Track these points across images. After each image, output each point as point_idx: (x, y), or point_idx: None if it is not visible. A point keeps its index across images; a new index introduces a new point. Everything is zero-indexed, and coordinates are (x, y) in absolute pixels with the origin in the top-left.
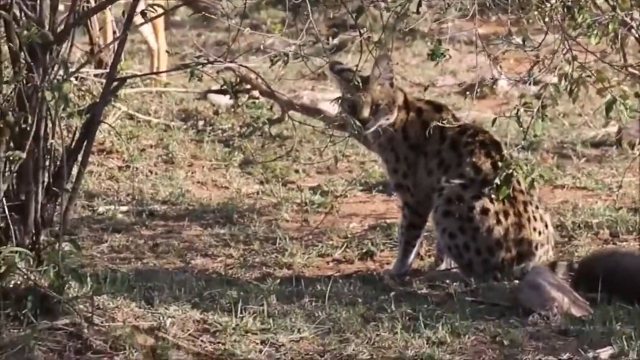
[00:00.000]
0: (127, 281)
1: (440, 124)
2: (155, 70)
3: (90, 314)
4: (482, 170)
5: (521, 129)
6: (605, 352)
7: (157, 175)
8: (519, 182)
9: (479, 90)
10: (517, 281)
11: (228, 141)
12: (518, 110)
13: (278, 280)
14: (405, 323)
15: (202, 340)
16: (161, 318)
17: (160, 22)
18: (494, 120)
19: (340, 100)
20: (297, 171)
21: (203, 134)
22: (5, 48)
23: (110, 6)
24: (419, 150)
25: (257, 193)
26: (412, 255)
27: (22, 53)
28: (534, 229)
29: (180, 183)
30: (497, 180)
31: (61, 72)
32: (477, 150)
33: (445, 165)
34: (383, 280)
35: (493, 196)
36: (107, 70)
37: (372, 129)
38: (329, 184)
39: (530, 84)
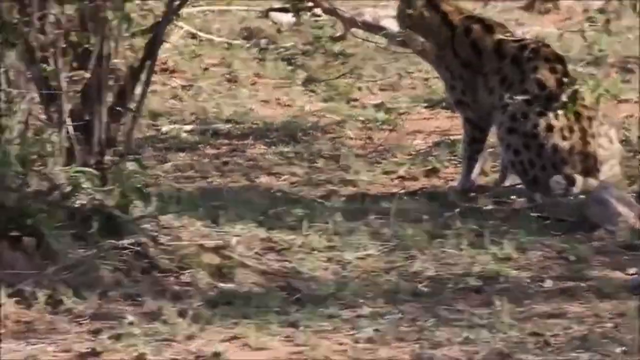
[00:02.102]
0: (193, 200)
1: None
2: None
3: (155, 233)
4: (546, 86)
5: (585, 43)
6: None
7: (220, 94)
8: (583, 98)
9: (542, 5)
10: (583, 196)
11: (291, 59)
12: (583, 24)
13: (343, 198)
14: (470, 239)
15: (268, 259)
16: (227, 237)
17: None
18: (560, 36)
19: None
20: (360, 89)
21: (266, 53)
22: None
23: None
24: (474, 68)
25: (321, 111)
26: (476, 171)
27: None
28: (599, 145)
29: (244, 101)
30: (563, 97)
31: None
32: (540, 65)
33: (508, 83)
34: (448, 196)
35: (559, 112)
36: None
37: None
38: (392, 101)
39: None
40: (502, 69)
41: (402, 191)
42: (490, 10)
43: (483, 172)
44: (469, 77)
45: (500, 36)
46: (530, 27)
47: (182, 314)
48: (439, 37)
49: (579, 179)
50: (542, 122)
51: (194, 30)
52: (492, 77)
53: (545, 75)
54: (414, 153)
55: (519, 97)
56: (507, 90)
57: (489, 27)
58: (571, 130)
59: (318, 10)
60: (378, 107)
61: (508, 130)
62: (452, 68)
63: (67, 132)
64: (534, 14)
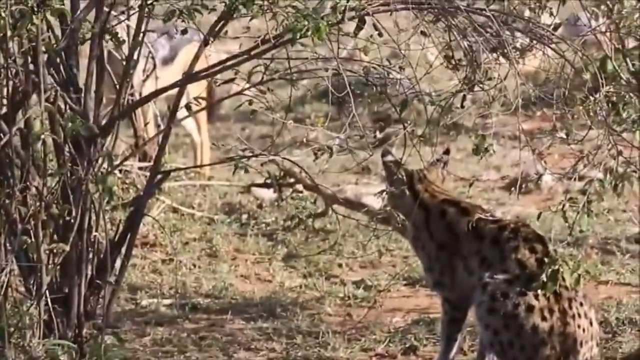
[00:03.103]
0: None
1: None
2: (198, 163)
3: None
4: (526, 265)
5: (566, 224)
6: None
7: (200, 268)
8: (563, 278)
9: (523, 185)
10: None
11: (272, 235)
12: (564, 205)
13: None
14: None
15: None
16: None
17: (202, 116)
18: (539, 215)
19: (385, 193)
20: (340, 265)
21: (247, 228)
22: (49, 140)
23: (154, 99)
24: (451, 251)
25: (300, 287)
26: (454, 350)
27: (67, 146)
28: (579, 326)
29: (224, 276)
30: (543, 277)
31: (105, 164)
32: (520, 245)
33: (488, 263)
34: None
35: (539, 292)
36: (151, 163)
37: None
38: (372, 278)
39: (575, 179)
40: (481, 250)
41: None
42: (471, 190)
43: (462, 351)
44: (445, 259)
45: (478, 216)
46: (511, 207)
47: None
48: (414, 218)
49: None
50: (523, 303)
51: (175, 205)
52: (471, 258)
53: (525, 255)
54: (392, 331)
55: (500, 277)
56: (487, 270)
57: (464, 209)
58: (551, 311)
59: (300, 187)
60: (357, 284)
61: (488, 310)
62: (429, 250)
63: (46, 305)
64: (515, 195)
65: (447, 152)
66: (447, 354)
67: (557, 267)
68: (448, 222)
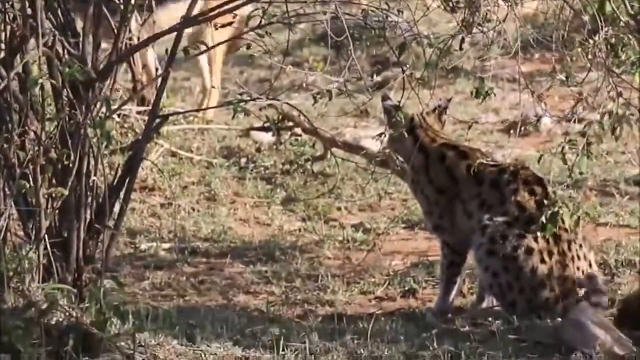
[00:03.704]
0: (169, 318)
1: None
2: (204, 106)
3: (132, 352)
4: (526, 208)
5: (565, 166)
6: None
7: (199, 212)
8: (562, 220)
9: (522, 127)
10: (560, 319)
11: (270, 178)
12: (563, 147)
13: (320, 318)
14: None
15: None
16: (203, 355)
17: (218, 60)
18: (540, 158)
19: (383, 136)
20: (339, 208)
21: (245, 171)
22: (48, 85)
23: (152, 43)
24: (450, 195)
25: (299, 230)
26: (454, 293)
27: (65, 90)
28: (578, 268)
29: (223, 220)
30: (542, 219)
31: (103, 109)
32: (520, 188)
33: (487, 206)
34: (425, 317)
35: (538, 234)
36: (150, 107)
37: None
38: (371, 222)
39: (574, 121)
40: (480, 193)
41: (380, 312)
42: (470, 133)
43: (461, 294)
44: (445, 203)
45: (478, 160)
46: (510, 150)
47: None
48: (413, 162)
49: None
50: (522, 245)
51: (173, 149)
52: (470, 201)
53: (524, 197)
54: (391, 273)
55: (499, 219)
56: (486, 213)
57: (463, 153)
58: (550, 253)
59: (298, 130)
60: (356, 227)
61: (487, 252)
62: (428, 194)
63: (45, 249)
64: (514, 137)
65: (449, 99)
66: (446, 297)
67: (556, 209)
68: (447, 166)
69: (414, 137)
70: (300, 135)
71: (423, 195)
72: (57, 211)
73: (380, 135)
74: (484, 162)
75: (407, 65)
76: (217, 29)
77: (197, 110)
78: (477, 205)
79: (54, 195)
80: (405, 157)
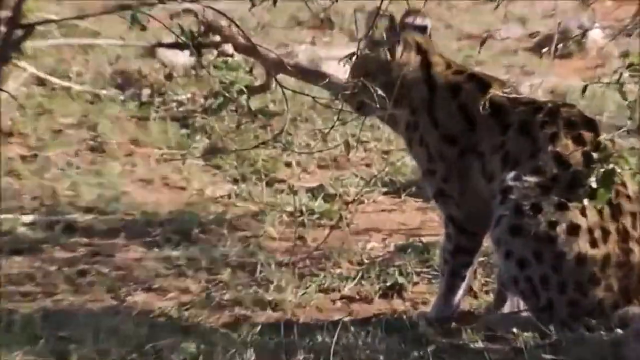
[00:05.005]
0: (31, 328)
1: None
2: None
3: None
4: (569, 163)
5: (625, 102)
6: None
7: (79, 169)
8: (624, 184)
9: (560, 45)
10: (619, 330)
11: (186, 119)
12: (621, 74)
13: (258, 328)
14: None
15: None
16: None
17: None
18: (584, 89)
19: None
20: (288, 165)
21: (149, 109)
22: None
23: None
24: (465, 147)
25: (229, 196)
26: (461, 292)
27: None
28: None
29: (114, 181)
30: (592, 180)
31: None
32: (560, 133)
33: (513, 161)
34: (417, 327)
35: (588, 203)
36: (9, 13)
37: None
38: (336, 184)
39: (637, 36)
40: (505, 142)
41: (348, 319)
42: (483, 53)
43: (471, 292)
44: (455, 157)
45: (501, 94)
46: (544, 78)
47: None
48: (411, 96)
49: None
50: (563, 220)
51: (42, 74)
52: (491, 157)
53: (567, 147)
54: (367, 261)
55: (529, 179)
56: (511, 170)
57: (486, 84)
58: (606, 232)
59: (229, 48)
60: (314, 192)
61: (510, 229)
62: (430, 143)
63: None
64: (549, 59)
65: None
66: (449, 297)
67: (613, 165)
68: (462, 104)
69: (409, 59)
70: (231, 56)
71: (422, 146)
72: None
73: (350, 56)
74: (507, 95)
75: None
76: None
77: (79, 18)
78: (499, 161)
79: None
80: (387, 86)
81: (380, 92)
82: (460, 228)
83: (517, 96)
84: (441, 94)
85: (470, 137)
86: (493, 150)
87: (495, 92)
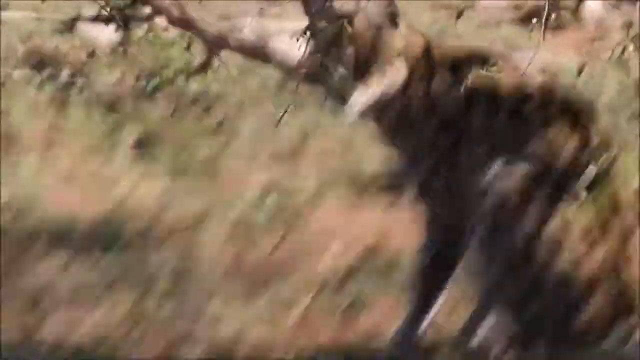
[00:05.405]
0: None
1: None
2: None
3: None
4: (561, 152)
5: (627, 81)
6: None
7: None
8: (627, 175)
9: (552, 16)
10: (619, 348)
11: (113, 105)
12: (623, 49)
13: None
14: None
15: None
16: None
17: None
18: (582, 68)
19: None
20: (235, 157)
21: (69, 92)
22: None
23: None
24: (456, 132)
25: (163, 197)
26: (435, 309)
27: None
28: None
29: (28, 179)
30: (590, 172)
31: None
32: (552, 120)
33: (501, 149)
34: (384, 353)
35: (582, 198)
36: None
37: (357, 108)
38: (289, 181)
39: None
40: (492, 129)
41: (302, 347)
42: (460, 25)
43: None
44: (445, 147)
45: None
46: (533, 54)
47: None
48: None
49: None
50: (553, 219)
51: None
52: (477, 144)
53: (559, 134)
54: (326, 276)
55: (517, 167)
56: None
57: (484, 58)
58: (602, 234)
59: (162, 22)
60: (264, 191)
61: (490, 229)
62: (419, 131)
63: None
64: (539, 32)
65: None
66: (420, 317)
67: (612, 154)
68: (466, 84)
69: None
70: (165, 30)
71: (408, 137)
72: None
73: (305, 30)
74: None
75: None
76: None
77: None
78: (485, 151)
79: None
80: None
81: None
82: (442, 232)
83: (492, 74)
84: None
85: (464, 121)
86: (480, 136)
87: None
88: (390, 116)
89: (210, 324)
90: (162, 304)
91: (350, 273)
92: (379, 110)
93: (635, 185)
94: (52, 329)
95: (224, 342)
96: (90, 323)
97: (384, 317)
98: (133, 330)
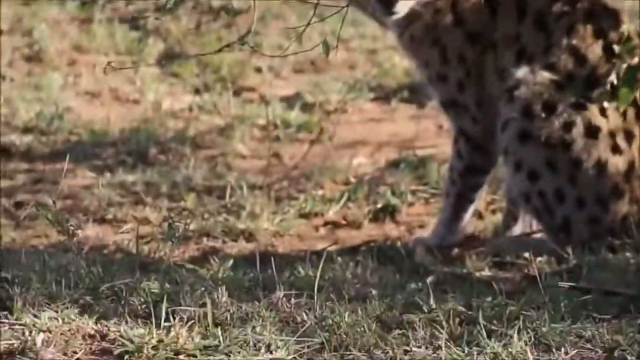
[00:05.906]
0: None
1: None
2: None
3: None
4: (587, 58)
5: None
6: None
7: (13, 82)
8: None
9: None
10: None
11: (137, 20)
12: None
13: (231, 262)
14: (453, 330)
15: None
16: (27, 333)
17: None
18: None
19: None
20: (258, 70)
21: (92, 9)
22: None
23: None
24: (484, 42)
25: (190, 109)
26: (468, 216)
27: None
28: None
29: (56, 96)
30: (613, 77)
31: None
32: (579, 25)
33: (528, 56)
34: (414, 256)
35: (609, 104)
36: None
37: (402, 13)
38: (314, 91)
39: None
40: (520, 35)
41: (334, 248)
42: None
43: (475, 212)
44: (474, 59)
45: None
46: None
47: None
48: None
49: None
50: (580, 122)
51: None
52: (505, 50)
53: (585, 39)
54: (353, 181)
55: (543, 74)
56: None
57: None
58: (629, 137)
59: None
60: (290, 101)
61: (519, 135)
62: (449, 45)
63: None
64: None
65: None
66: (454, 224)
67: (637, 59)
68: None
69: None
70: None
71: (436, 47)
72: None
73: None
74: None
75: None
76: None
77: None
78: (513, 56)
79: None
80: None
81: None
82: (474, 145)
83: None
84: None
85: (490, 30)
86: (507, 42)
87: None
88: (418, 27)
89: (243, 225)
90: (193, 214)
91: (378, 179)
92: (409, 22)
93: None
94: (90, 232)
95: (264, 237)
96: (125, 228)
97: (415, 219)
98: (166, 238)
